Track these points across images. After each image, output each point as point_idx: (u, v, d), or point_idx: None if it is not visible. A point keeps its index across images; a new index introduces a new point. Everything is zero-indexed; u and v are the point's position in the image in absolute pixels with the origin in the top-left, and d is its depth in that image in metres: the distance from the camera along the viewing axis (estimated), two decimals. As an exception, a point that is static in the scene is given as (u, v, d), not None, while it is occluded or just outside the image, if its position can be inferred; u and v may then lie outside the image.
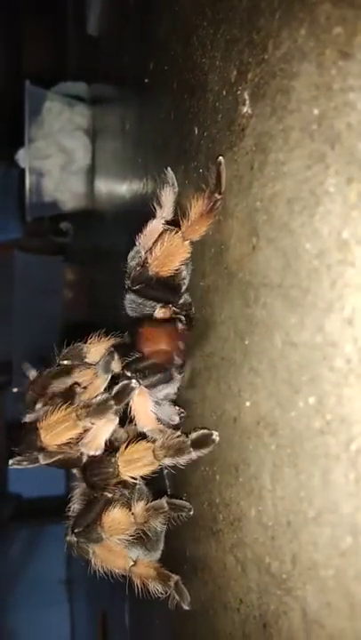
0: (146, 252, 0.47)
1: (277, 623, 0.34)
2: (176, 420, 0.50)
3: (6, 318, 2.10)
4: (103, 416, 0.45)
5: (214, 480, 0.43)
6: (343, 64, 0.26)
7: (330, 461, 0.28)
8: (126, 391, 0.45)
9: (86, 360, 0.49)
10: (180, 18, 0.51)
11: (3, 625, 2.09)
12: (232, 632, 0.41)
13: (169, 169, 0.50)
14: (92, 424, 0.45)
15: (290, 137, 0.30)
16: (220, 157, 0.39)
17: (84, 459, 0.48)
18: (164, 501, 0.48)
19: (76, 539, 0.49)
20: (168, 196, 0.49)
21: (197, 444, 0.43)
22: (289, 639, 0.32)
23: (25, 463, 0.45)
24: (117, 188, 0.99)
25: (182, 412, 0.50)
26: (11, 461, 0.45)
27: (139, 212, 0.75)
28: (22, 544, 2.25)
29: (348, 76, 0.26)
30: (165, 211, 0.48)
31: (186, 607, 0.49)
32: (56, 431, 0.44)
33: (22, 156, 1.67)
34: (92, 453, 0.46)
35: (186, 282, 0.49)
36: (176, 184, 0.49)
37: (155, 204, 0.48)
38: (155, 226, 0.48)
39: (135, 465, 0.45)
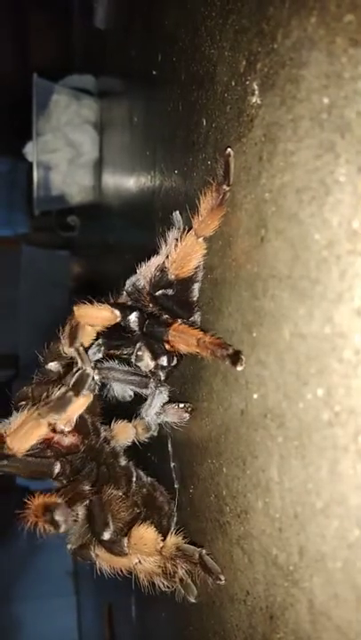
0: (164, 258, 0.47)
1: (284, 615, 0.34)
2: (186, 417, 0.50)
3: (13, 312, 2.10)
4: (65, 409, 0.43)
5: (221, 472, 0.43)
6: (354, 52, 0.26)
7: (338, 453, 0.28)
8: (83, 380, 0.44)
9: (65, 351, 0.49)
10: (189, 9, 0.51)
11: (10, 616, 2.10)
12: (238, 624, 0.41)
13: (176, 213, 0.50)
14: (56, 420, 0.44)
15: (299, 126, 0.30)
16: (229, 149, 0.39)
17: (56, 469, 0.47)
18: (197, 552, 0.46)
19: (74, 547, 0.49)
20: (173, 237, 0.49)
21: (205, 568, 0.44)
22: (295, 631, 0.32)
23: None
24: (125, 181, 0.99)
25: (189, 407, 0.50)
26: None
27: (146, 206, 0.75)
28: (29, 536, 2.26)
29: (359, 64, 0.26)
30: (169, 249, 0.48)
31: (192, 600, 0.49)
32: (21, 434, 0.43)
33: (30, 150, 1.67)
34: (63, 428, 0.45)
35: (199, 285, 0.48)
36: (182, 225, 0.49)
37: (159, 242, 0.48)
38: (156, 261, 0.48)
39: (142, 551, 0.46)
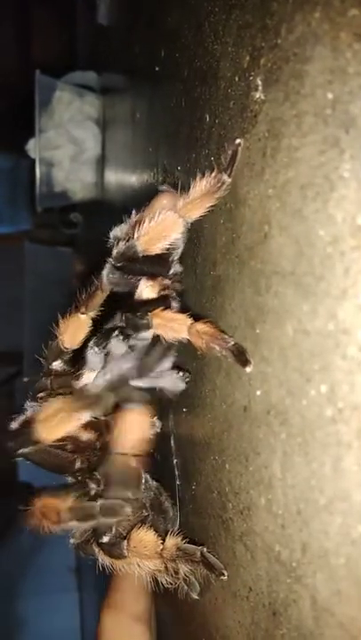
0: (133, 226, 0.45)
1: (287, 611, 0.34)
2: (182, 386, 0.49)
3: (17, 309, 2.11)
4: (99, 406, 0.44)
5: (224, 469, 0.43)
6: (359, 47, 0.26)
7: (341, 449, 0.27)
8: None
9: (65, 347, 0.49)
10: (192, 4, 0.51)
11: (13, 612, 2.11)
12: (241, 620, 0.41)
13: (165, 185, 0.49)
14: (91, 416, 0.44)
15: (303, 122, 0.30)
16: (239, 139, 0.38)
17: (78, 465, 0.47)
18: (198, 551, 0.46)
19: (78, 542, 0.48)
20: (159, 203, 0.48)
21: (207, 565, 0.44)
22: (298, 627, 0.32)
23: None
24: (128, 177, 0.99)
25: (187, 377, 0.49)
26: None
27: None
28: (32, 533, 2.26)
29: (363, 59, 0.26)
30: (153, 208, 0.47)
31: (195, 597, 0.49)
32: (52, 424, 0.43)
33: (32, 147, 1.67)
34: (49, 441, 0.45)
35: (179, 252, 0.46)
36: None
37: None
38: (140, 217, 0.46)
39: (142, 555, 0.45)
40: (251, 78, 0.37)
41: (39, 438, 0.44)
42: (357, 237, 0.26)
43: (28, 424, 0.44)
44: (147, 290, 0.47)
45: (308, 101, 0.30)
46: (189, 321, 0.41)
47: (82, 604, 2.14)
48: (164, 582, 0.49)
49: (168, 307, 0.45)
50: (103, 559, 0.49)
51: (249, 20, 0.37)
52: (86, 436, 0.49)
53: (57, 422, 0.43)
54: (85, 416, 0.44)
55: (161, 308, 0.43)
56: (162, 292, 0.47)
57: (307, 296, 0.30)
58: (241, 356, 0.37)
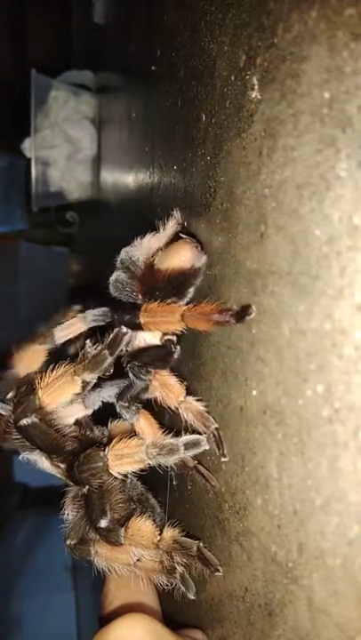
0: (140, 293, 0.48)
1: (283, 612, 0.34)
2: None
3: (11, 308, 2.10)
4: (100, 368, 0.44)
5: (220, 469, 0.43)
6: (355, 46, 0.26)
7: (338, 449, 0.27)
8: (118, 339, 0.44)
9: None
10: (188, 3, 0.51)
11: (8, 612, 2.10)
12: (237, 620, 0.41)
13: (176, 210, 0.50)
14: (92, 379, 0.45)
15: (300, 121, 0.30)
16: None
17: (68, 447, 0.47)
18: (195, 545, 0.45)
19: (73, 543, 0.48)
20: (172, 227, 0.49)
21: (189, 446, 0.43)
22: (295, 628, 0.32)
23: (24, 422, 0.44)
24: (123, 177, 0.98)
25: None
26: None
27: (144, 202, 0.75)
28: (28, 532, 2.26)
29: (360, 59, 0.26)
30: (167, 233, 0.49)
31: (191, 597, 0.49)
32: (55, 388, 0.44)
33: (28, 146, 1.67)
34: (50, 408, 0.45)
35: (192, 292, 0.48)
36: (181, 219, 0.50)
37: (159, 225, 0.49)
38: (153, 242, 0.48)
39: (125, 460, 0.44)
40: (247, 77, 0.37)
41: (41, 404, 0.44)
42: (354, 237, 0.26)
43: (28, 393, 0.45)
44: (149, 336, 0.48)
45: (304, 100, 0.29)
46: (182, 396, 0.44)
47: (78, 604, 2.14)
48: (161, 583, 0.49)
49: (170, 353, 0.47)
50: (99, 561, 0.49)
51: (245, 20, 0.37)
52: (69, 430, 0.50)
53: (59, 386, 0.44)
54: (85, 379, 0.44)
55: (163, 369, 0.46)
56: (164, 338, 0.49)
57: (303, 296, 0.30)
58: (241, 312, 0.37)
